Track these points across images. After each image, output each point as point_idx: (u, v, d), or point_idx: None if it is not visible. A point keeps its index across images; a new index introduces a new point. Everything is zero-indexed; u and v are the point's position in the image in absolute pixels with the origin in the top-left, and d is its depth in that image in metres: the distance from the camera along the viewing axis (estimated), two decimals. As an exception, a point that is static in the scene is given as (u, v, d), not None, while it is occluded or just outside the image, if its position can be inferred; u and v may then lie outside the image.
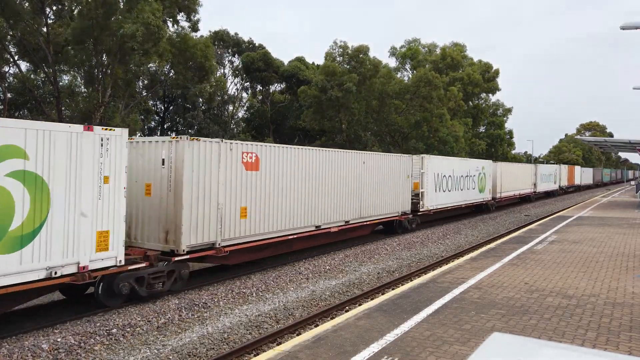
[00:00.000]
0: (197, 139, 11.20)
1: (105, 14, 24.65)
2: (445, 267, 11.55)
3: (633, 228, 18.99)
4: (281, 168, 13.77)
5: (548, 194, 46.42)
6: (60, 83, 31.18)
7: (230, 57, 50.43)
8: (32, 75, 33.23)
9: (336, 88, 37.46)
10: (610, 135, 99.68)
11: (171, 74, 35.04)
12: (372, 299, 9.99)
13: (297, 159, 14.40)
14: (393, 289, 10.63)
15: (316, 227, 15.31)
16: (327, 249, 16.84)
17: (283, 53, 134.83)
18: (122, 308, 10.04)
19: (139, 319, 9.40)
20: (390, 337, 6.60)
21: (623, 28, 17.33)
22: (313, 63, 50.49)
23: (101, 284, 9.62)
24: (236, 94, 50.50)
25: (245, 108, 51.82)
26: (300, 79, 45.80)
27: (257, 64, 46.09)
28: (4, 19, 25.01)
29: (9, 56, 28.98)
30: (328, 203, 15.83)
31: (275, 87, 50.96)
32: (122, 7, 25.81)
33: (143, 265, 10.16)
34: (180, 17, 29.59)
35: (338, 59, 40.23)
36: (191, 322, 9.54)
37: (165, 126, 47.17)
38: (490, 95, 56.86)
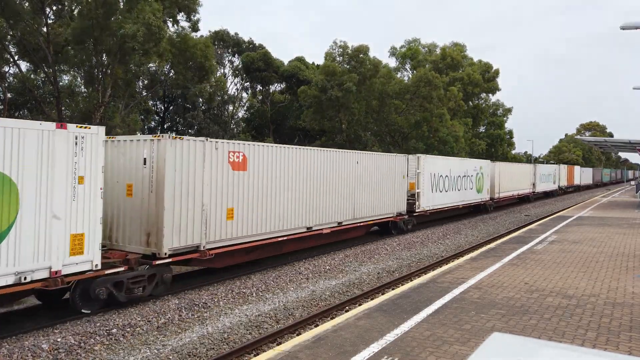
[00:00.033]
0: (179, 138, 10.84)
1: (106, 14, 24.65)
2: (445, 267, 11.55)
3: (633, 228, 18.99)
4: (270, 168, 13.44)
5: (547, 194, 46.24)
6: (60, 83, 31.18)
7: (230, 57, 50.44)
8: (32, 75, 33.23)
9: (336, 88, 37.46)
10: (610, 135, 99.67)
11: (171, 74, 35.04)
12: (372, 299, 9.99)
13: (286, 159, 14.07)
14: (393, 289, 10.63)
15: (307, 228, 14.93)
16: (327, 250, 16.83)
17: (283, 53, 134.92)
18: (122, 308, 10.05)
19: (139, 319, 9.40)
20: (390, 337, 6.60)
21: (623, 28, 17.33)
22: (313, 63, 50.50)
23: (76, 289, 9.16)
24: (236, 94, 50.51)
25: (245, 108, 51.83)
26: (300, 79, 45.80)
27: (257, 64, 46.09)
28: (4, 19, 25.00)
29: (9, 56, 28.98)
30: (320, 204, 15.49)
31: (275, 87, 50.96)
32: (122, 7, 25.81)
33: (122, 269, 9.72)
34: (180, 17, 29.60)
35: (338, 59, 40.23)
36: (191, 322, 9.54)
37: (165, 126, 47.16)
38: (490, 95, 56.89)
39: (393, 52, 51.00)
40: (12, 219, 8.01)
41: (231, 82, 50.15)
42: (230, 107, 49.33)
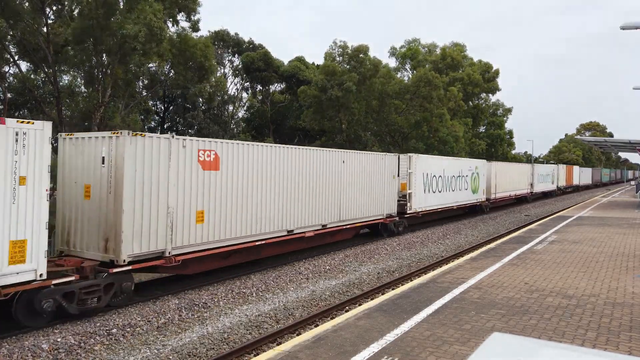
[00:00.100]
0: (141, 134, 10.17)
1: (106, 14, 24.64)
2: (445, 267, 11.55)
3: (633, 228, 18.98)
4: (246, 167, 12.69)
5: (545, 195, 46.01)
6: (60, 83, 31.17)
7: (230, 57, 50.44)
8: (32, 75, 33.22)
9: (336, 88, 37.46)
10: (610, 135, 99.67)
11: (171, 74, 35.03)
12: (372, 299, 9.99)
13: (264, 158, 13.33)
14: (393, 289, 10.63)
15: (288, 231, 14.23)
16: (327, 250, 16.83)
17: (283, 53, 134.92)
18: (122, 308, 10.05)
19: (139, 319, 9.40)
20: (390, 337, 6.60)
21: (623, 28, 17.32)
22: (313, 63, 50.49)
23: (19, 301, 8.33)
24: (236, 94, 50.50)
25: (245, 108, 51.82)
26: (300, 79, 45.79)
27: (257, 63, 46.09)
28: (4, 19, 25.01)
29: (9, 56, 28.98)
30: (302, 205, 14.76)
31: (275, 87, 50.95)
32: (122, 7, 25.81)
33: (72, 278, 8.91)
34: (180, 17, 29.59)
35: (338, 58, 40.21)
36: (191, 322, 9.54)
37: (165, 126, 47.16)
38: (490, 95, 56.86)
39: (393, 52, 50.99)
40: None
41: (231, 82, 50.15)
42: (230, 107, 49.33)
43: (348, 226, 17.14)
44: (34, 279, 8.29)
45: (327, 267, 14.31)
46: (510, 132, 60.56)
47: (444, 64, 48.17)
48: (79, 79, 32.61)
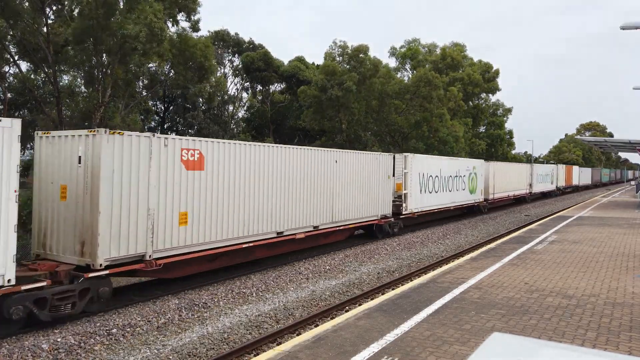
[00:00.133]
0: (119, 133, 9.68)
1: (106, 14, 24.65)
2: (445, 267, 11.55)
3: (633, 228, 18.98)
4: (233, 167, 12.22)
5: (545, 195, 45.72)
6: (60, 83, 31.18)
7: (230, 57, 50.46)
8: (32, 75, 33.24)
9: (336, 87, 37.47)
10: (610, 135, 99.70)
11: (171, 74, 35.04)
12: (372, 299, 9.99)
13: (252, 157, 12.84)
14: (393, 289, 10.63)
15: (278, 233, 13.79)
16: (322, 251, 16.83)
17: (283, 53, 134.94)
18: (122, 308, 10.05)
19: (139, 319, 9.40)
20: (390, 337, 6.60)
21: (623, 28, 17.33)
22: (313, 63, 50.51)
23: None
24: (236, 94, 50.52)
25: (245, 108, 51.84)
26: (300, 79, 45.80)
27: (257, 63, 46.10)
28: (4, 19, 25.01)
29: (9, 56, 28.98)
30: (292, 206, 14.32)
31: (275, 87, 50.97)
32: (122, 7, 25.81)
33: (43, 284, 8.53)
34: (180, 17, 29.60)
35: (338, 58, 40.23)
36: (191, 322, 9.54)
37: (165, 126, 47.18)
38: (490, 95, 56.89)
39: (393, 52, 51.00)
40: None
41: (231, 82, 50.17)
42: (230, 107, 49.34)
43: (341, 227, 16.71)
44: (1, 284, 7.91)
45: (327, 267, 14.31)
46: (510, 132, 60.60)
47: (444, 64, 48.19)
48: (79, 79, 32.63)
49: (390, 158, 19.74)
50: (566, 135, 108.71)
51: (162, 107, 47.37)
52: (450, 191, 24.74)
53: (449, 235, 21.39)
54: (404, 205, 20.38)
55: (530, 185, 39.39)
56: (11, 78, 33.54)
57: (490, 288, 9.26)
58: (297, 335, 8.50)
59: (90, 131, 9.49)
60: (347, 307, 10.42)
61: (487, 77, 53.89)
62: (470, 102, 52.89)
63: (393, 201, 19.77)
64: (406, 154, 21.19)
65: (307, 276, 13.26)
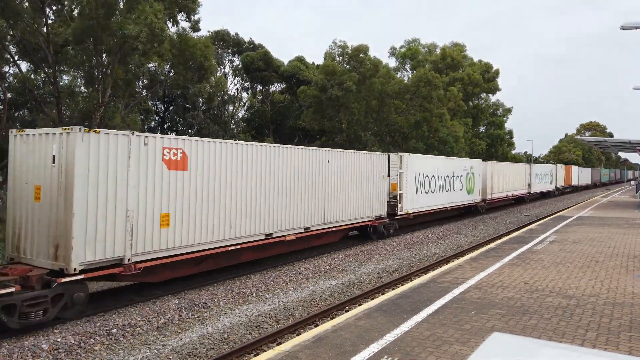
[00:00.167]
0: (95, 131, 9.23)
1: (106, 14, 24.66)
2: (445, 267, 11.55)
3: (633, 228, 18.99)
4: (218, 167, 11.76)
5: (544, 195, 45.40)
6: (60, 83, 31.19)
7: (230, 57, 50.47)
8: (32, 75, 33.24)
9: (336, 87, 37.47)
10: (610, 135, 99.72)
11: (171, 74, 35.05)
12: (372, 299, 9.99)
13: (239, 157, 12.39)
14: (393, 289, 10.63)
15: (267, 235, 13.30)
16: (326, 250, 16.83)
17: (283, 53, 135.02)
18: (122, 308, 10.06)
19: (139, 319, 9.40)
20: (390, 337, 6.60)
21: (623, 28, 17.33)
22: (313, 63, 50.53)
23: None
24: (236, 94, 50.53)
25: (245, 108, 51.85)
26: (300, 79, 45.82)
27: (257, 63, 46.11)
28: (4, 19, 25.02)
29: (9, 56, 28.99)
30: (282, 208, 13.87)
31: (275, 87, 50.98)
32: (122, 7, 25.82)
33: (12, 289, 8.14)
34: (180, 17, 29.61)
35: (338, 58, 40.24)
36: (191, 322, 9.54)
37: (165, 126, 47.19)
38: (490, 95, 56.90)
39: (393, 53, 51.01)
40: None
41: (231, 82, 50.18)
42: (230, 107, 49.34)
43: (334, 229, 16.25)
44: None
45: (327, 267, 14.31)
46: (510, 132, 60.60)
47: (444, 64, 48.20)
48: (79, 79, 32.64)
49: (384, 158, 19.33)
50: (566, 135, 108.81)
51: (162, 107, 47.38)
52: (447, 191, 24.37)
53: (449, 235, 21.39)
54: (399, 205, 20.02)
55: (529, 185, 39.02)
56: (11, 78, 33.55)
57: (490, 288, 9.26)
58: (297, 335, 8.50)
59: (65, 129, 9.11)
60: (347, 307, 10.42)
61: (487, 77, 53.90)
62: (470, 102, 52.90)
63: (388, 202, 19.41)
64: (401, 153, 20.78)
65: (307, 276, 13.26)
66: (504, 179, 33.17)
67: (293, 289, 12.04)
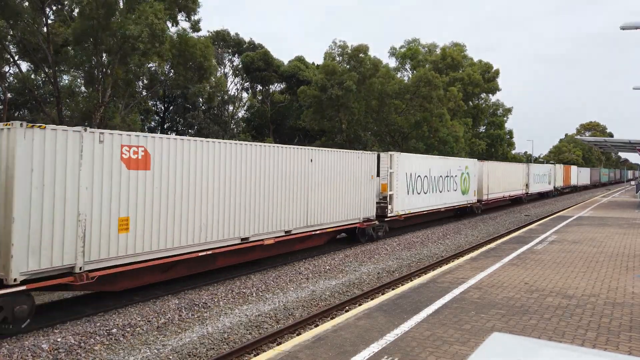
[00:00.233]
0: (40, 126, 8.48)
1: (106, 14, 24.68)
2: (445, 267, 11.55)
3: (633, 228, 18.99)
4: (186, 166, 10.92)
5: (542, 196, 44.87)
6: (61, 83, 31.21)
7: (230, 57, 50.49)
8: (32, 75, 33.27)
9: (336, 87, 37.49)
10: (610, 135, 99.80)
11: (171, 74, 35.07)
12: (372, 299, 9.99)
13: (210, 156, 11.56)
14: (393, 289, 10.63)
15: (242, 239, 12.50)
16: (325, 250, 16.83)
17: (283, 53, 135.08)
18: (122, 308, 10.06)
19: (139, 319, 9.40)
20: (390, 337, 6.60)
21: (623, 28, 17.33)
22: (313, 63, 50.56)
23: None
24: (236, 94, 50.55)
25: (245, 108, 51.88)
26: (300, 79, 45.85)
27: (257, 63, 46.14)
28: (4, 19, 25.03)
29: (9, 56, 29.01)
30: (260, 210, 13.01)
31: (275, 87, 51.01)
32: (122, 7, 25.84)
33: None
34: (180, 17, 29.63)
35: (337, 58, 40.27)
36: (191, 322, 9.54)
37: (165, 126, 47.21)
38: (490, 95, 56.94)
39: (393, 53, 51.06)
40: None
41: (231, 82, 50.20)
42: (231, 107, 49.35)
43: (318, 232, 15.42)
44: None
45: (327, 267, 14.31)
46: (510, 132, 60.66)
47: (444, 64, 48.23)
48: (79, 79, 32.66)
49: (373, 157, 18.54)
50: (566, 135, 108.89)
51: (162, 107, 47.40)
52: (440, 192, 23.63)
53: (449, 235, 21.39)
54: (389, 207, 19.25)
55: (527, 185, 38.37)
56: (11, 78, 33.58)
57: (490, 288, 9.26)
58: (297, 335, 8.50)
59: (6, 124, 8.31)
60: (347, 307, 10.42)
61: (487, 77, 53.95)
62: (470, 102, 52.94)
63: (378, 203, 18.72)
64: (392, 152, 20.02)
65: (307, 276, 13.26)
66: (501, 179, 32.51)
67: (293, 289, 12.04)
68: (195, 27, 30.81)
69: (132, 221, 9.81)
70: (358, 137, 42.44)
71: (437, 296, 8.68)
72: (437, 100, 40.05)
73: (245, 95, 52.15)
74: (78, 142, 8.95)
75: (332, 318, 9.45)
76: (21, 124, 8.23)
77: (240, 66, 48.66)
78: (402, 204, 20.14)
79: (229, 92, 48.54)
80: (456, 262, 12.29)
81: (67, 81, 33.26)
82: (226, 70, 50.25)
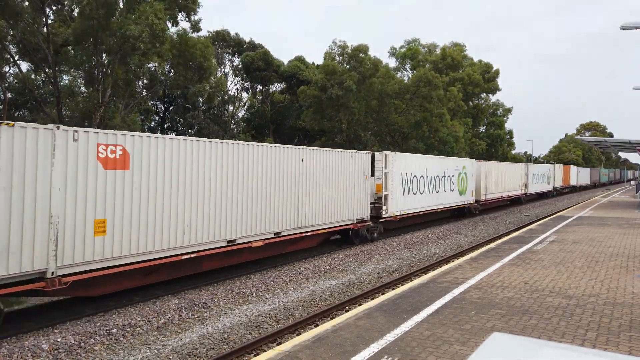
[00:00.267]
0: (8, 124, 8.08)
1: (106, 14, 24.69)
2: (445, 267, 11.55)
3: (633, 228, 18.99)
4: (168, 166, 10.49)
5: (541, 196, 44.64)
6: (61, 83, 31.23)
7: (230, 57, 50.51)
8: (32, 75, 33.27)
9: (336, 87, 37.49)
10: (610, 135, 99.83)
11: (171, 74, 35.09)
12: (372, 299, 9.99)
13: (194, 155, 11.12)
14: (393, 289, 10.63)
15: (229, 242, 12.03)
16: (325, 250, 16.83)
17: (283, 53, 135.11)
18: (122, 308, 10.06)
19: (139, 319, 9.40)
20: (390, 337, 6.60)
21: (623, 28, 17.33)
22: (313, 63, 50.57)
23: None
24: (236, 94, 50.56)
25: (245, 108, 51.89)
26: (300, 79, 45.87)
27: (257, 63, 46.15)
28: (4, 19, 25.04)
29: (9, 56, 29.01)
30: (248, 211, 12.57)
31: (275, 87, 51.03)
32: (122, 7, 25.85)
33: None
34: (181, 17, 29.65)
35: (337, 58, 40.28)
36: (191, 322, 9.54)
37: (165, 126, 47.21)
38: (490, 95, 56.95)
39: (393, 53, 51.08)
40: None
41: (231, 82, 50.21)
42: (231, 107, 49.36)
43: (309, 233, 15.03)
44: None
45: (327, 267, 14.31)
46: (510, 132, 60.67)
47: (444, 64, 48.24)
48: (79, 79, 32.68)
49: (367, 157, 18.15)
50: (566, 135, 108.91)
51: (162, 107, 47.41)
52: (437, 192, 23.28)
53: (449, 235, 21.39)
54: (384, 207, 18.83)
55: (526, 185, 38.08)
56: (11, 78, 33.59)
57: (490, 288, 9.26)
58: (297, 335, 8.50)
59: None
60: (347, 307, 10.42)
61: (487, 77, 53.96)
62: (470, 102, 52.95)
63: (372, 203, 18.37)
64: (386, 152, 19.53)
65: (307, 276, 13.26)
66: (499, 179, 32.22)
67: (293, 289, 12.04)
68: (195, 27, 30.84)
69: (110, 223, 9.41)
70: (358, 137, 42.45)
71: (437, 296, 8.68)
72: (437, 100, 40.05)
73: (245, 95, 52.20)
74: (50, 140, 8.55)
75: (332, 318, 9.46)
76: None
77: (240, 66, 48.66)
78: (397, 205, 19.83)
79: (229, 92, 48.55)
80: (456, 262, 12.29)
81: (67, 81, 33.28)
82: (226, 70, 50.27)
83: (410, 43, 51.44)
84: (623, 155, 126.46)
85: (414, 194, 21.19)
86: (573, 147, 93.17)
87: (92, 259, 9.12)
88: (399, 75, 47.94)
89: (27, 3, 26.52)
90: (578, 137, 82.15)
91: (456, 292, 8.99)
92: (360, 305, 9.89)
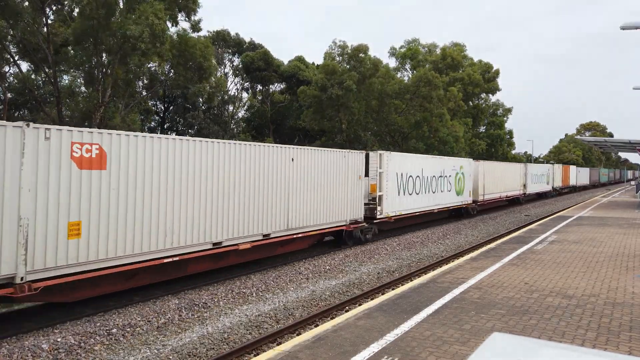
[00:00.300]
0: None
1: (106, 14, 24.70)
2: (445, 267, 11.55)
3: (633, 228, 18.99)
4: (148, 166, 10.05)
5: (540, 196, 44.44)
6: (61, 83, 31.23)
7: (230, 57, 50.51)
8: (32, 75, 33.28)
9: (336, 87, 37.50)
10: (610, 135, 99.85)
11: (171, 74, 35.09)
12: (372, 299, 9.99)
13: (177, 154, 10.66)
14: (393, 289, 10.63)
15: (214, 244, 11.65)
16: (325, 250, 16.83)
17: (283, 53, 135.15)
18: (122, 308, 10.06)
19: (139, 319, 9.40)
20: (390, 337, 6.60)
21: (623, 28, 17.33)
22: (313, 63, 50.59)
23: None
24: (236, 94, 50.56)
25: (245, 108, 51.90)
26: (300, 79, 45.88)
27: (257, 63, 46.16)
28: (4, 19, 25.04)
29: (9, 56, 29.02)
30: (235, 212, 12.16)
31: (275, 87, 51.04)
32: (122, 7, 25.86)
33: None
34: (181, 17, 29.66)
35: (337, 58, 40.29)
36: (191, 322, 9.54)
37: (165, 126, 47.22)
38: (490, 95, 56.97)
39: (393, 53, 51.10)
40: None
41: (231, 82, 50.22)
42: (231, 107, 49.35)
43: (300, 235, 14.60)
44: None
45: (327, 267, 14.31)
46: (510, 132, 60.70)
47: (444, 64, 48.25)
48: (79, 79, 32.69)
49: (361, 156, 17.69)
50: (566, 135, 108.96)
51: (162, 107, 47.41)
52: (433, 193, 22.88)
53: (449, 235, 21.39)
54: (379, 208, 18.39)
55: (525, 185, 37.74)
56: (11, 78, 33.59)
57: (490, 288, 9.26)
58: (297, 335, 8.50)
59: None
60: (347, 307, 10.42)
61: (487, 77, 53.99)
62: (470, 102, 52.97)
63: (366, 204, 17.99)
64: (381, 152, 19.13)
65: (307, 276, 13.26)
66: (497, 179, 31.88)
67: (293, 289, 12.04)
68: (196, 27, 30.85)
69: (85, 226, 8.96)
70: (358, 137, 42.46)
71: (437, 296, 8.68)
72: (437, 100, 40.06)
73: (245, 95, 52.21)
74: (19, 138, 8.10)
75: (332, 318, 9.46)
76: None
77: (240, 66, 48.68)
78: (393, 205, 19.44)
79: (229, 92, 48.56)
80: (456, 262, 12.29)
81: (67, 81, 33.30)
82: (226, 70, 50.28)
83: (410, 43, 51.46)
84: (623, 155, 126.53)
85: (410, 194, 20.84)
86: (573, 147, 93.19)
87: (65, 264, 8.70)
88: (399, 75, 47.96)
89: (27, 3, 26.52)
90: (578, 137, 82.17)
91: (456, 292, 8.99)
92: (360, 305, 9.89)
